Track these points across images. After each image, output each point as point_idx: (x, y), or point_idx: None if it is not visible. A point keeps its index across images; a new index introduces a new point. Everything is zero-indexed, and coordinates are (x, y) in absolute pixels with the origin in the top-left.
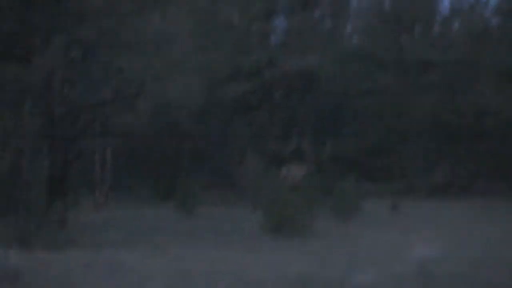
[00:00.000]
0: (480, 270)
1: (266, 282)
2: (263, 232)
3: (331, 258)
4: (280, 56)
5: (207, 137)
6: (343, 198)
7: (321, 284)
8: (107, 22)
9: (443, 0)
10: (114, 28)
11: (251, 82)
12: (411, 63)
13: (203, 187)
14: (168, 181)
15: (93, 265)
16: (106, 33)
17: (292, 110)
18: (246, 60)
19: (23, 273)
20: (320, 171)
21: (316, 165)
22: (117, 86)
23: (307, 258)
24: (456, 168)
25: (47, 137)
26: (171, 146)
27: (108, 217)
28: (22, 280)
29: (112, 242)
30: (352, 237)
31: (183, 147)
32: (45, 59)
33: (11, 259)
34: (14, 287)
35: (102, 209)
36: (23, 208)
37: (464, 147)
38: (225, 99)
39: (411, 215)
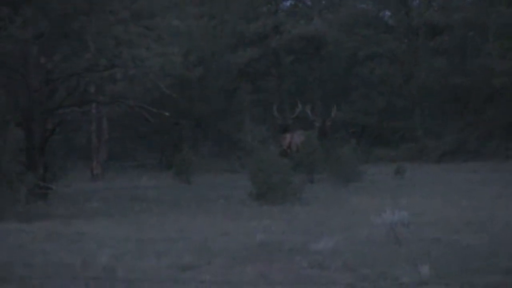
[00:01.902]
0: (461, 235)
1: (226, 249)
2: (251, 200)
3: (304, 225)
4: (287, 22)
5: (210, 105)
6: (341, 163)
7: (282, 251)
8: None
9: None
10: None
11: (257, 48)
12: (419, 26)
13: (206, 155)
14: (171, 150)
15: (53, 236)
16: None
17: (299, 77)
18: (252, 26)
19: None
20: (325, 137)
21: (321, 131)
22: (94, 55)
23: (280, 225)
24: (466, 131)
25: (24, 109)
26: (172, 115)
27: (99, 188)
28: None
29: (88, 212)
30: (338, 204)
31: (185, 116)
32: (16, 28)
33: None
34: None
35: (98, 180)
36: None
37: (474, 110)
38: (230, 66)
39: (414, 180)
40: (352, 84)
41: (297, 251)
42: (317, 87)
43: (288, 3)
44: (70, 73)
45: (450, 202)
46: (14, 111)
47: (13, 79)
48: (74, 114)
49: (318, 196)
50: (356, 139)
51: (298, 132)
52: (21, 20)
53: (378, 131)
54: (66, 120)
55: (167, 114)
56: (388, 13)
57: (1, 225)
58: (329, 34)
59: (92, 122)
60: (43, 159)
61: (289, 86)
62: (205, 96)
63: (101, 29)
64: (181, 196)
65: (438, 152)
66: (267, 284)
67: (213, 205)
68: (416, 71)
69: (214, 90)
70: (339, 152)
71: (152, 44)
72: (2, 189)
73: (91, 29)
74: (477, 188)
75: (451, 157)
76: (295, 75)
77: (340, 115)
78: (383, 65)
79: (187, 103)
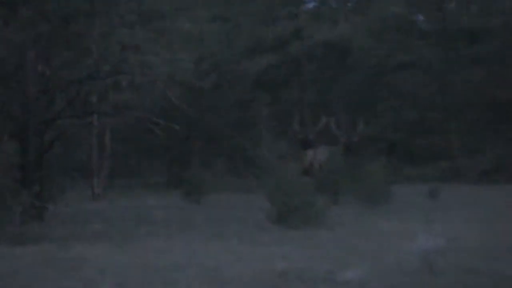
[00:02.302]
0: (501, 264)
1: (241, 278)
2: (269, 223)
3: (328, 252)
4: (309, 26)
5: (224, 117)
6: (369, 183)
7: (303, 281)
8: None
9: None
10: None
11: (275, 55)
12: (455, 32)
13: (217, 173)
14: (179, 167)
15: (50, 261)
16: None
17: (322, 87)
18: (271, 31)
19: None
20: (351, 153)
21: (347, 147)
22: (96, 60)
23: (302, 252)
24: (507, 148)
25: (19, 119)
26: (182, 129)
27: (101, 208)
28: None
29: (88, 235)
30: (365, 228)
31: (195, 129)
32: (13, 32)
33: None
34: None
35: (100, 199)
36: None
37: None
38: (246, 74)
39: (449, 202)
40: (381, 96)
41: (320, 281)
42: (342, 98)
43: (310, 5)
44: (70, 81)
45: (490, 227)
46: (9, 122)
47: (8, 87)
48: (74, 126)
49: (343, 219)
50: (385, 157)
51: (321, 148)
52: (17, 22)
53: (410, 148)
54: (65, 133)
55: (176, 127)
56: (421, 17)
57: None
58: (355, 40)
59: (93, 135)
60: (39, 176)
61: (311, 97)
62: (218, 107)
63: (104, 33)
64: (191, 218)
65: (476, 172)
66: None
67: (226, 228)
68: (452, 82)
69: (228, 100)
70: (367, 171)
71: (161, 50)
72: None
73: (94, 32)
74: None
75: (491, 177)
76: (317, 85)
77: (368, 130)
78: (416, 74)
79: (199, 115)
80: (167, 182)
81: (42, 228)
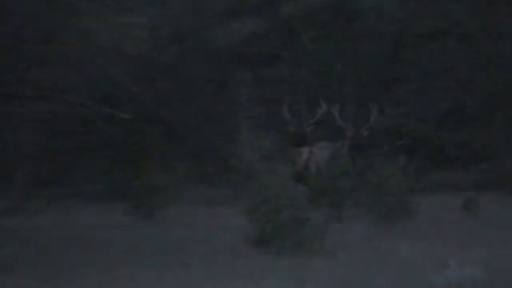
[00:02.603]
0: None
1: None
2: (248, 247)
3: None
4: None
5: (190, 104)
6: (384, 193)
7: None
8: None
9: None
10: None
11: (260, 20)
12: None
13: (179, 179)
14: (127, 170)
15: None
16: None
17: (322, 63)
18: None
19: None
20: (360, 152)
21: (354, 144)
22: (14, 24)
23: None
24: None
25: None
26: (132, 119)
27: (19, 225)
28: None
29: None
30: (377, 254)
31: (151, 119)
32: None
33: None
34: None
35: (18, 213)
36: None
37: None
38: (220, 45)
39: (490, 218)
40: (401, 75)
41: None
42: (349, 78)
43: None
44: None
45: None
46: None
47: None
48: None
49: (348, 242)
50: (406, 157)
51: (321, 145)
52: None
53: (439, 145)
54: None
55: (124, 116)
56: None
57: None
58: (367, 0)
59: (9, 128)
60: None
61: (307, 76)
62: (182, 90)
63: None
64: (140, 241)
65: None
66: None
67: (189, 255)
68: (496, 57)
69: (196, 81)
70: (381, 176)
71: (105, 12)
72: None
73: None
74: None
75: None
76: (316, 61)
77: (383, 121)
78: (448, 47)
79: (155, 101)
80: (109, 191)
81: None
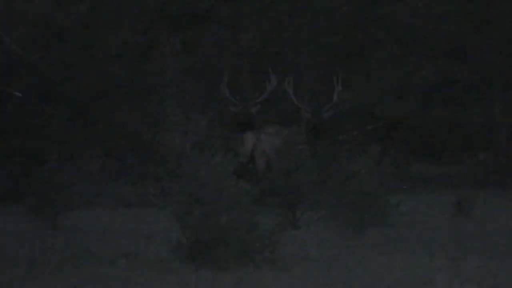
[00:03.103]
0: None
1: None
2: (178, 260)
3: None
4: None
5: (102, 77)
6: (353, 191)
7: None
8: None
9: None
10: None
11: None
12: None
13: (91, 173)
14: (24, 164)
15: None
16: None
17: (270, 22)
18: None
19: None
20: (320, 139)
21: (313, 128)
22: None
23: None
24: None
25: None
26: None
27: None
28: None
29: None
30: (344, 267)
31: (52, 99)
32: None
33: None
34: None
35: None
36: None
37: None
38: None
39: (488, 222)
40: (373, 38)
41: None
42: (305, 41)
43: None
44: None
45: None
46: None
47: None
48: None
49: (306, 252)
50: (381, 145)
51: (270, 130)
52: None
53: (423, 130)
54: None
55: (18, 94)
56: None
57: None
58: None
59: None
60: None
61: (252, 39)
62: (92, 59)
63: None
64: (44, 252)
65: None
66: None
67: (105, 269)
68: (494, 15)
69: (109, 44)
70: (349, 170)
71: None
72: None
73: None
74: None
75: None
76: (263, 19)
77: (350, 98)
78: (433, 1)
79: (58, 74)
80: (2, 189)
81: None
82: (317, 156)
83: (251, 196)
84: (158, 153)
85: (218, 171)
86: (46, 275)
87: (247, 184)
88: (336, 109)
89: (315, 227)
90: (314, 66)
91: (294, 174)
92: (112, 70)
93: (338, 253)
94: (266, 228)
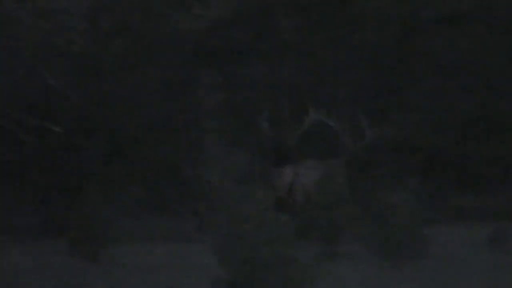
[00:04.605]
0: None
1: None
2: None
3: None
4: None
5: (141, 113)
6: (391, 225)
7: None
8: None
9: None
10: None
11: (229, 4)
12: None
13: (130, 208)
14: (62, 198)
15: None
16: None
17: (309, 57)
18: None
19: None
20: (360, 172)
21: (352, 162)
22: None
23: None
24: None
25: None
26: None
27: None
28: None
29: None
30: None
31: (91, 134)
32: None
33: None
34: None
35: None
36: None
37: None
38: (178, 37)
39: None
40: (412, 72)
41: None
42: (343, 77)
43: None
44: None
45: None
46: None
47: None
48: None
49: (346, 285)
50: (419, 177)
51: (309, 164)
52: None
53: (461, 162)
54: None
55: (56, 129)
56: None
57: None
58: None
59: None
60: None
61: (290, 76)
62: (130, 94)
63: None
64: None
65: None
66: None
67: None
68: None
69: (147, 83)
70: (387, 203)
71: None
72: None
73: None
74: None
75: None
76: (301, 55)
77: (388, 131)
78: (471, 34)
79: (96, 109)
80: (39, 224)
81: None
82: (356, 190)
83: (290, 229)
84: (198, 187)
85: (257, 205)
86: None
87: (286, 218)
88: (374, 143)
89: (354, 260)
90: (353, 99)
91: (333, 208)
92: (151, 105)
93: (376, 285)
94: (305, 261)
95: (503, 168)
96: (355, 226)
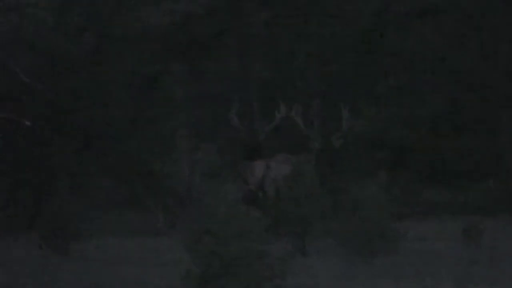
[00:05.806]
0: None
1: None
2: (189, 287)
3: None
4: None
5: (111, 107)
6: (361, 219)
7: None
8: None
9: None
10: None
11: None
12: None
13: (100, 202)
14: (32, 192)
15: None
16: None
17: (281, 53)
18: None
19: None
20: (330, 167)
21: (322, 157)
22: None
23: None
24: None
25: None
26: (36, 126)
27: None
28: None
29: None
30: None
31: (61, 127)
32: None
33: None
34: None
35: None
36: None
37: None
38: (148, 31)
39: (499, 251)
40: (382, 66)
41: None
42: (314, 71)
43: None
44: None
45: None
46: None
47: None
48: None
49: (316, 280)
50: (389, 172)
51: (279, 158)
52: None
53: (431, 157)
54: None
55: (26, 123)
56: None
57: None
58: None
59: None
60: None
61: (261, 70)
62: (100, 90)
63: None
64: (53, 281)
65: None
66: None
67: None
68: (505, 42)
69: (116, 77)
70: (358, 198)
71: None
72: None
73: None
74: None
75: None
76: (273, 49)
77: (359, 126)
78: (442, 29)
79: (66, 103)
80: (10, 218)
81: None
82: (326, 184)
83: (260, 224)
84: (168, 181)
85: (227, 199)
86: None
87: (256, 212)
88: (346, 137)
89: (324, 255)
90: (323, 94)
91: (303, 202)
92: (120, 99)
93: (347, 281)
94: (275, 256)
95: (474, 163)
96: (325, 221)
